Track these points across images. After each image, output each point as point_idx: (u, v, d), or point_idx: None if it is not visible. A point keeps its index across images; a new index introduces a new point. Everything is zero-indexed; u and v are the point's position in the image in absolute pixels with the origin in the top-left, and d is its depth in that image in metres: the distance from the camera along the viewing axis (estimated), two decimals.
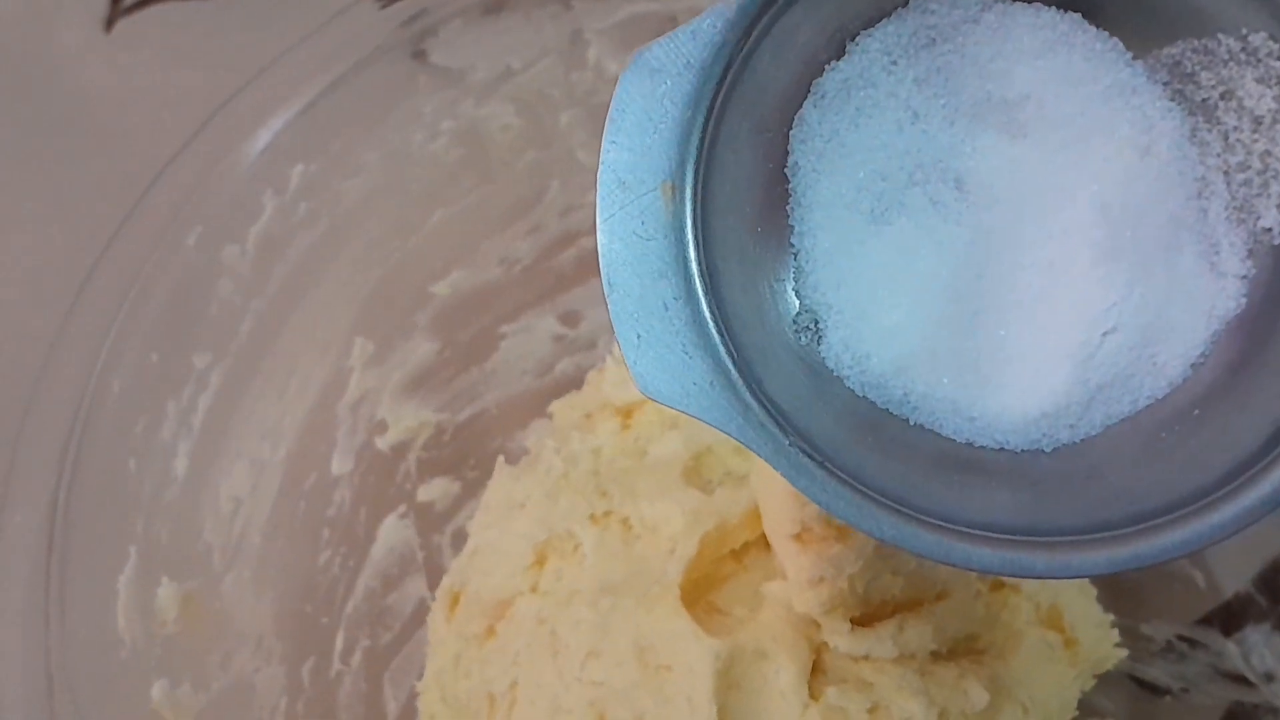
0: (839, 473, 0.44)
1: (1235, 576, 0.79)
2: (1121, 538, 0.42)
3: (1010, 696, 0.68)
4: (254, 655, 0.76)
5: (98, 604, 0.67)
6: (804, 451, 0.44)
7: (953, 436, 0.46)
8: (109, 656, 0.67)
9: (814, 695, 0.64)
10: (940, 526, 0.43)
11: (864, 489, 0.44)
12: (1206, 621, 0.80)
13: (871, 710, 0.64)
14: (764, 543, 0.70)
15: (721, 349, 0.44)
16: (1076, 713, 0.72)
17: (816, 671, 0.66)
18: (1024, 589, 0.73)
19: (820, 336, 0.48)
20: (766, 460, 0.44)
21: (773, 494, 0.64)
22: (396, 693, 0.83)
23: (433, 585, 0.86)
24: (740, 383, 0.44)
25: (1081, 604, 0.73)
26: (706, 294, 0.44)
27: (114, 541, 0.69)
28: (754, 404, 0.44)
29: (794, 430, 0.44)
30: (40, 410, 0.68)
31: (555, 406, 0.87)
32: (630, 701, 0.66)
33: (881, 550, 0.64)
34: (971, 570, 0.44)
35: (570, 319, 0.93)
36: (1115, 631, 0.72)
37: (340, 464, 0.84)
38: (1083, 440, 0.46)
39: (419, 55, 0.80)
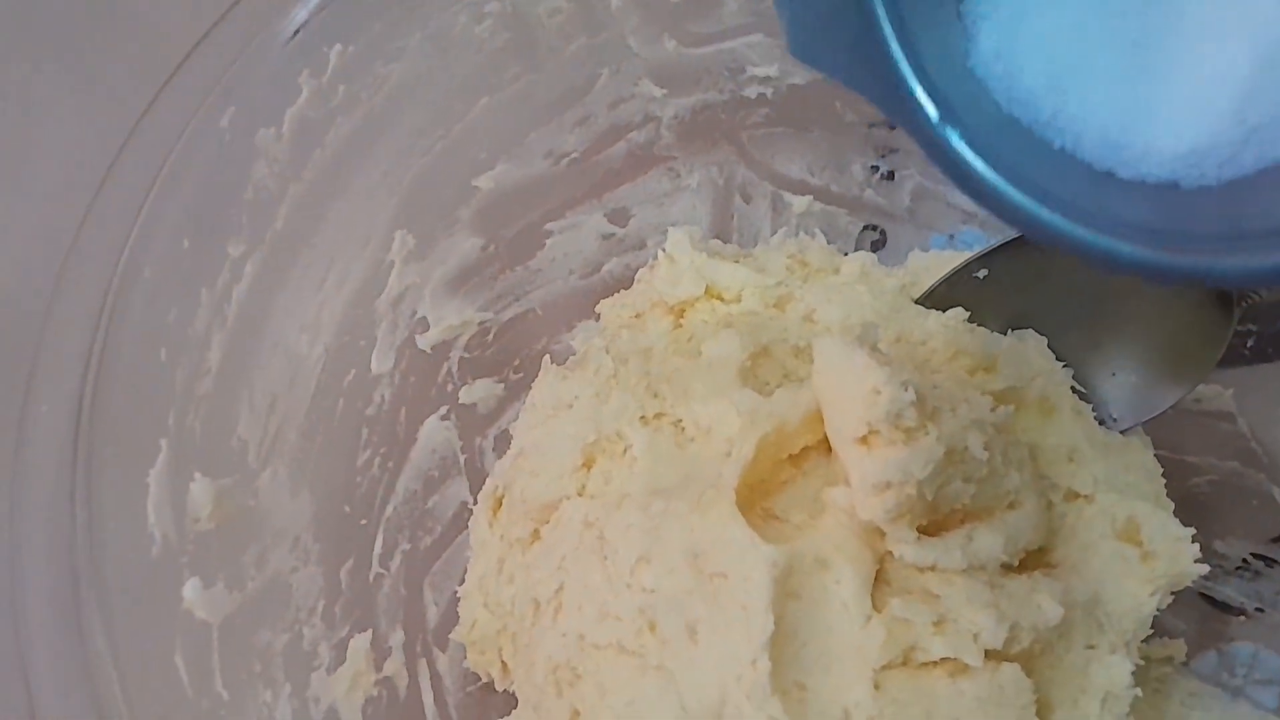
0: (978, 155, 0.42)
1: None
2: (1259, 249, 0.41)
3: (1086, 612, 0.65)
4: (290, 554, 0.74)
5: (127, 499, 0.64)
6: (952, 132, 0.42)
7: (1094, 164, 0.44)
8: (138, 553, 0.64)
9: (877, 607, 0.61)
10: (1081, 219, 0.42)
11: (1007, 173, 0.43)
12: None
13: (938, 623, 0.61)
14: (824, 447, 0.67)
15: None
16: (1152, 632, 0.69)
17: (880, 582, 0.63)
18: (1099, 500, 0.69)
19: (971, 44, 0.45)
20: (908, 132, 0.42)
21: (838, 395, 0.61)
22: (437, 597, 0.81)
23: (474, 489, 0.84)
24: (894, 41, 0.42)
25: (1159, 516, 0.69)
26: None
27: (144, 434, 0.66)
28: (906, 70, 0.42)
29: (940, 100, 0.42)
30: (67, 296, 0.65)
31: (603, 305, 0.84)
32: (682, 609, 0.62)
33: (952, 455, 0.60)
34: (1110, 269, 0.42)
35: (619, 217, 0.90)
36: (1195, 546, 0.68)
37: (380, 362, 0.81)
38: (1228, 181, 0.44)
39: None
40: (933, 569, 0.62)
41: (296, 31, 0.72)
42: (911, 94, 0.42)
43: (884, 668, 0.61)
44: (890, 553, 0.62)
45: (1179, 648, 0.76)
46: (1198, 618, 0.78)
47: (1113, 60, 0.43)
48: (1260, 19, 0.41)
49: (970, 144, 0.42)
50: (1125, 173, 0.44)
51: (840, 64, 0.42)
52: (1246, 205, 0.42)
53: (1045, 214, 0.42)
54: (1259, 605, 0.77)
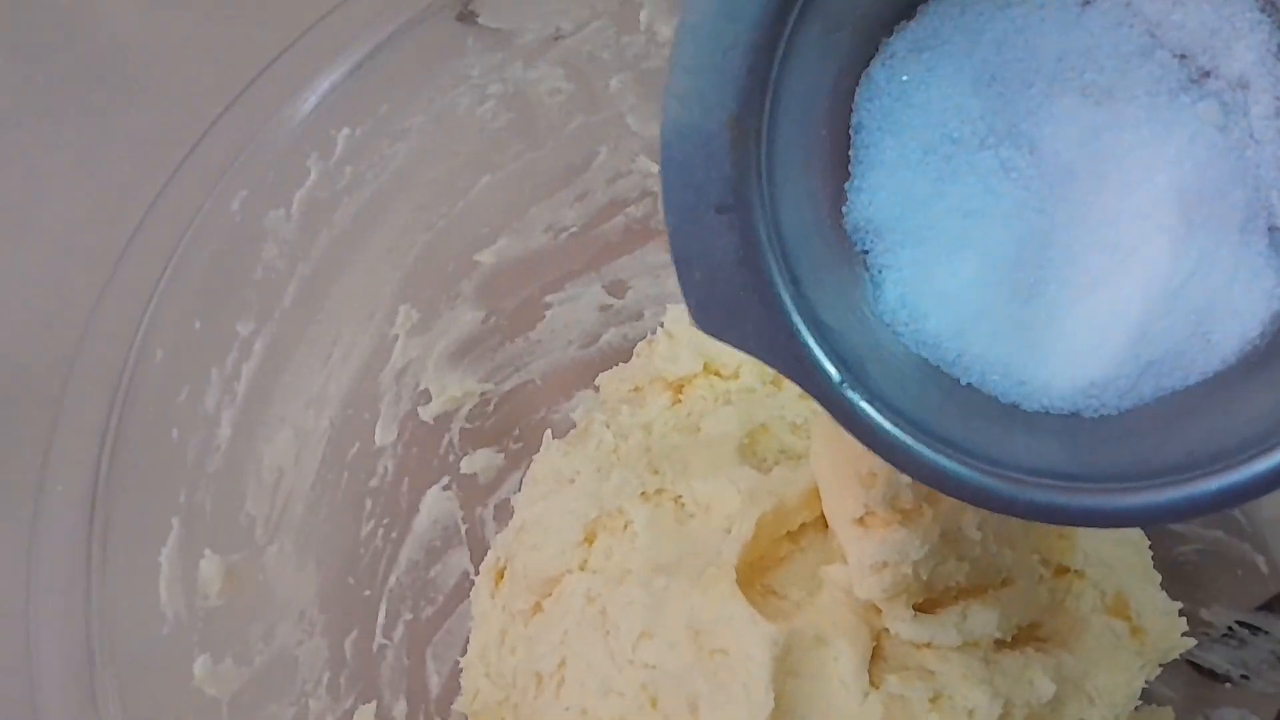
0: (886, 414, 0.43)
1: None
2: (1158, 486, 0.42)
3: (1077, 687, 0.66)
4: (296, 628, 0.75)
5: (140, 577, 0.66)
6: (854, 394, 0.43)
7: (999, 398, 0.46)
8: (151, 631, 0.66)
9: (874, 683, 0.63)
10: (984, 470, 0.43)
11: (910, 429, 0.43)
12: (1268, 607, 0.78)
13: (934, 699, 0.62)
14: (821, 524, 0.68)
15: (777, 276, 0.43)
16: (1140, 702, 0.70)
17: (877, 658, 0.64)
18: (1089, 575, 0.71)
19: (877, 291, 0.47)
20: (814, 397, 0.43)
21: (835, 476, 0.62)
22: (439, 667, 0.82)
23: (475, 558, 0.85)
24: (794, 312, 0.43)
25: (1148, 590, 0.71)
26: (767, 226, 0.43)
27: (157, 513, 0.68)
28: (807, 337, 0.43)
29: (842, 359, 0.43)
30: (81, 377, 0.67)
31: (603, 379, 0.86)
32: (684, 685, 0.64)
33: (947, 535, 0.62)
34: (1013, 514, 0.44)
35: (617, 288, 0.91)
36: (1184, 620, 0.70)
37: (384, 434, 0.82)
38: (1129, 409, 0.45)
39: (467, 16, 0.78)
40: (929, 645, 0.64)
41: (306, 116, 0.74)
42: (815, 361, 0.43)
43: None
44: (887, 630, 0.64)
45: (1167, 715, 0.77)
46: (1185, 684, 0.80)
47: (1012, 306, 0.45)
48: (1148, 265, 0.43)
49: (873, 401, 0.43)
50: (1029, 405, 0.45)
51: (747, 337, 0.43)
52: (1147, 435, 0.44)
53: (950, 465, 0.43)
54: (1244, 673, 0.79)
